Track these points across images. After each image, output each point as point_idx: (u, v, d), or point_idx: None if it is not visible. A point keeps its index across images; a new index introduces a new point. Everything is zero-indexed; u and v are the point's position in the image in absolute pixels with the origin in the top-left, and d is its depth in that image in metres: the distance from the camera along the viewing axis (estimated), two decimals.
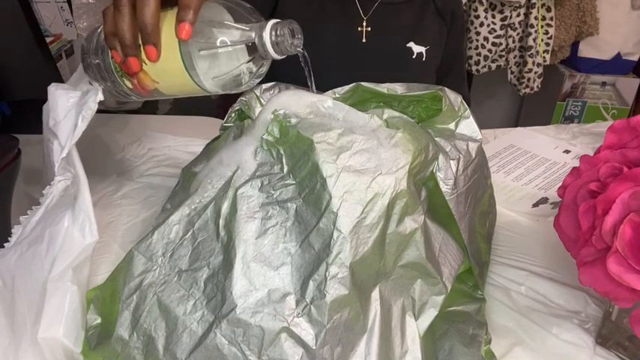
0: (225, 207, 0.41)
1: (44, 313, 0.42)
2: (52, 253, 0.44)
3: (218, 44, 0.40)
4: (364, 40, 0.86)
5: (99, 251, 0.56)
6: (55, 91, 0.50)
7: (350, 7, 0.86)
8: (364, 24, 0.86)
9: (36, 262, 0.44)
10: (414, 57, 0.88)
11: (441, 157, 0.45)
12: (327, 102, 0.47)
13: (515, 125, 1.56)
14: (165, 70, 0.42)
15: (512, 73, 1.72)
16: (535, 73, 1.66)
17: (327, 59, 0.86)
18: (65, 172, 0.47)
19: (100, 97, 0.46)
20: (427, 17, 0.90)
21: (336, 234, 0.38)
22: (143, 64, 0.42)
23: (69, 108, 0.49)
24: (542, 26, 1.63)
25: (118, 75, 0.45)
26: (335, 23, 0.86)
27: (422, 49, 0.89)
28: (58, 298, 0.43)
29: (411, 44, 0.88)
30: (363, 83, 0.52)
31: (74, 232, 0.45)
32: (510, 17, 1.62)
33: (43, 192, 0.47)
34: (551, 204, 0.69)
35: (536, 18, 1.60)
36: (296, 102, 0.51)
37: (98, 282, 0.46)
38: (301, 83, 0.55)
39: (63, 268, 0.43)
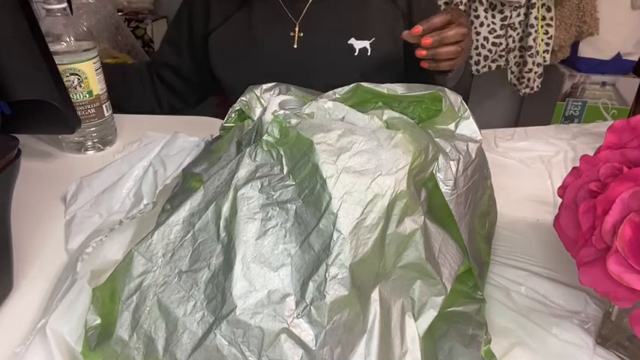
0: (225, 208, 0.41)
1: (61, 305, 0.43)
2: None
3: None
4: (295, 46, 0.80)
5: None
6: (176, 134, 0.68)
7: (280, 12, 0.81)
8: (296, 29, 0.80)
9: None
10: (356, 54, 0.81)
11: (440, 157, 0.45)
12: (327, 103, 0.47)
13: (516, 125, 1.56)
14: None
15: (512, 73, 1.72)
16: (535, 73, 1.66)
17: (264, 69, 0.81)
18: (154, 198, 0.55)
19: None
20: (371, 6, 0.82)
21: (335, 235, 0.38)
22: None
23: (182, 148, 0.65)
24: (542, 26, 1.63)
25: None
26: (268, 31, 0.81)
27: (365, 43, 0.81)
28: (74, 293, 0.44)
29: (352, 40, 0.80)
30: (363, 84, 0.52)
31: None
32: (510, 17, 1.61)
33: (141, 206, 0.55)
34: None
35: (536, 18, 1.60)
36: (296, 103, 0.51)
37: (98, 282, 0.46)
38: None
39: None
